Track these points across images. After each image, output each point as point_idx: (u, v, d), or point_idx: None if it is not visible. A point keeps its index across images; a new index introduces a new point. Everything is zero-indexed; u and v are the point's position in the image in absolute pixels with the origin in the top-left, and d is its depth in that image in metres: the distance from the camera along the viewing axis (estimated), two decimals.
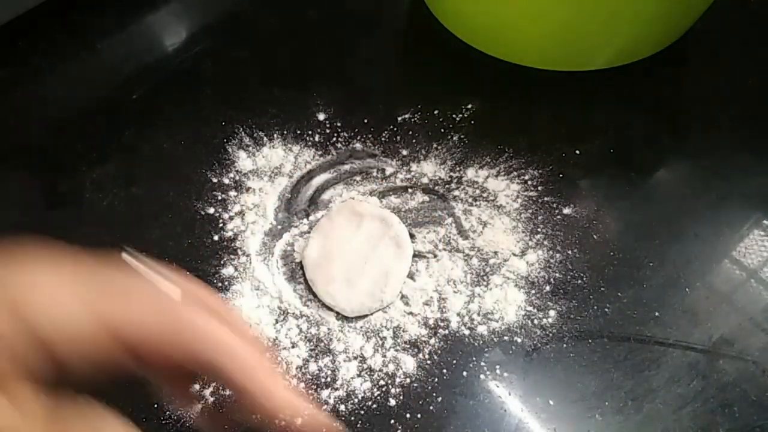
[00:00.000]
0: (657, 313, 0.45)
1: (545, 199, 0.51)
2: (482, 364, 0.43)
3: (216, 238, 0.49)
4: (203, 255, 0.48)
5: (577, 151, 0.54)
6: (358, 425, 0.40)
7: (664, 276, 0.47)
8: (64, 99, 0.61)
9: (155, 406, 0.41)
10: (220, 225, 0.50)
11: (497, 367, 0.43)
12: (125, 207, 0.53)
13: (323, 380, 0.42)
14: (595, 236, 0.49)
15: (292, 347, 0.44)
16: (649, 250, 0.48)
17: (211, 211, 0.51)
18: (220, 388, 0.42)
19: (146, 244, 0.49)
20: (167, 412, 0.41)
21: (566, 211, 0.50)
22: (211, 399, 0.41)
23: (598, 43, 0.55)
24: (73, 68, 0.64)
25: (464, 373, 0.43)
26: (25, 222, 0.52)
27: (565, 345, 0.44)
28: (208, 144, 0.55)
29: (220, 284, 0.47)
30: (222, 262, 0.48)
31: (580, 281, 0.47)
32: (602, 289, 0.46)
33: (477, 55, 0.60)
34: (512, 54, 0.59)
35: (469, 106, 0.57)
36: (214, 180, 0.53)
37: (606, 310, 0.45)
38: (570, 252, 0.48)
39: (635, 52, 0.58)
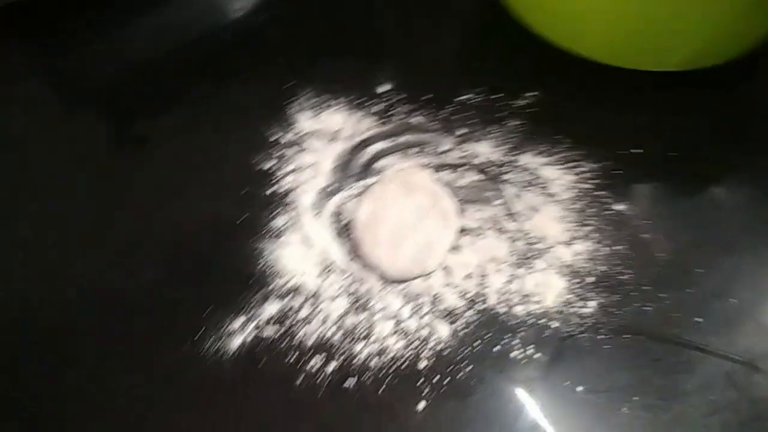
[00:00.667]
0: (699, 319, 0.45)
1: (599, 192, 0.51)
2: (515, 342, 0.43)
3: (271, 191, 0.51)
4: (257, 205, 0.50)
5: (638, 150, 0.53)
6: (387, 380, 0.41)
7: (711, 284, 0.46)
8: (136, 50, 0.64)
9: (198, 337, 0.43)
10: (276, 180, 0.52)
11: (530, 347, 0.43)
12: (188, 155, 0.55)
13: (358, 334, 0.43)
14: (645, 235, 0.49)
15: (332, 300, 0.45)
16: (700, 256, 0.48)
17: (268, 165, 0.52)
18: (260, 327, 0.43)
19: (204, 191, 0.51)
20: (208, 343, 0.43)
21: (619, 207, 0.50)
22: (251, 336, 0.43)
23: (673, 44, 0.55)
24: (147, 23, 0.66)
25: (496, 348, 0.43)
26: (89, 162, 0.54)
27: (600, 336, 0.44)
28: (271, 104, 0.57)
29: (271, 233, 0.48)
30: (274, 214, 0.49)
31: (624, 277, 0.46)
32: (646, 288, 0.46)
33: (546, 45, 0.60)
34: (582, 47, 0.58)
35: (532, 94, 0.57)
36: (274, 138, 0.54)
37: (647, 309, 0.45)
38: (617, 247, 0.48)
39: (710, 57, 0.56)
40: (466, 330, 0.44)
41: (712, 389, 0.42)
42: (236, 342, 0.43)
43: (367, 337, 0.43)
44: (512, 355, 0.43)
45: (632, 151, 0.53)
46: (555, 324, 0.44)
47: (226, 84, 0.59)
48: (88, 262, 0.48)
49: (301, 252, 0.47)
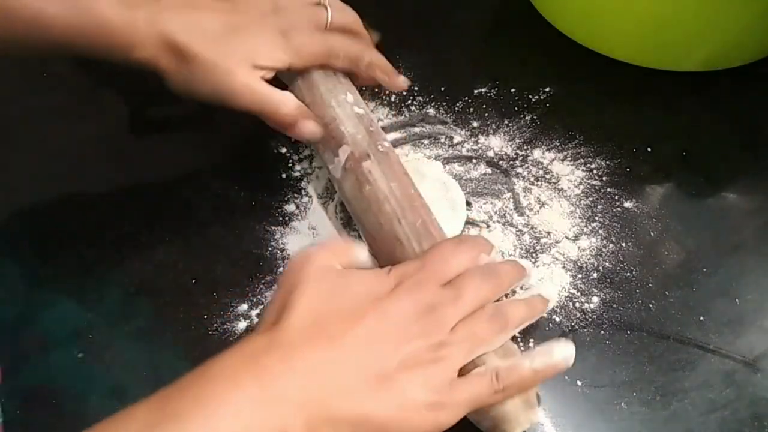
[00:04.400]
0: (701, 318, 0.45)
1: (608, 189, 0.51)
2: (517, 335, 0.44)
3: (284, 176, 0.52)
4: (270, 189, 0.51)
5: (649, 149, 0.53)
6: None
7: (715, 283, 0.46)
8: None
9: (205, 317, 0.44)
10: (290, 164, 0.52)
11: (531, 339, 0.44)
12: (203, 138, 0.56)
13: None
14: (652, 233, 0.49)
15: None
16: (705, 256, 0.48)
17: (283, 150, 0.53)
18: None
19: (219, 172, 0.52)
20: (215, 325, 0.44)
21: (627, 204, 0.50)
22: (256, 320, 0.44)
23: (691, 45, 0.54)
24: None
25: None
26: (108, 143, 0.55)
27: (602, 332, 0.44)
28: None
29: (280, 218, 0.49)
30: (286, 199, 0.50)
31: (628, 274, 0.47)
32: (650, 285, 0.46)
33: (564, 41, 0.60)
34: (601, 45, 0.58)
35: (547, 89, 0.57)
36: None
37: (650, 306, 0.45)
38: (623, 244, 0.48)
39: (727, 59, 0.56)
40: None
41: (712, 388, 0.42)
42: (241, 325, 0.44)
43: None
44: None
45: (644, 149, 0.53)
46: (557, 318, 0.45)
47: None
48: (102, 238, 0.49)
49: (308, 239, 0.48)
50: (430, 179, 0.50)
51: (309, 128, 0.45)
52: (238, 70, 0.43)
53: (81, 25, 0.40)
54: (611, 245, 0.48)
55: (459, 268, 0.37)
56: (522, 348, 0.43)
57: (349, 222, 0.49)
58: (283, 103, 0.44)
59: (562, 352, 0.37)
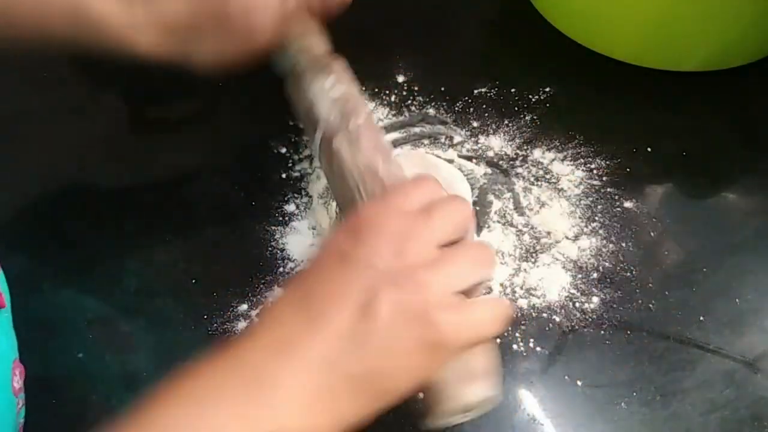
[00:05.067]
0: (702, 318, 0.45)
1: (608, 189, 0.51)
2: (517, 335, 0.44)
3: (284, 176, 0.52)
4: (270, 189, 0.51)
5: (649, 149, 0.53)
6: None
7: (715, 283, 0.46)
8: None
9: (205, 317, 0.44)
10: (290, 164, 0.52)
11: (531, 340, 0.44)
12: (203, 138, 0.56)
13: None
14: (652, 233, 0.49)
15: None
16: (705, 256, 0.48)
17: (283, 150, 0.53)
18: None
19: (219, 172, 0.52)
20: (215, 325, 0.44)
21: (627, 204, 0.50)
22: (256, 320, 0.44)
23: (691, 45, 0.55)
24: None
25: (498, 340, 0.44)
26: (108, 143, 0.55)
27: (602, 332, 0.44)
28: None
29: (280, 218, 0.49)
30: (286, 199, 0.50)
31: (628, 274, 0.47)
32: (650, 285, 0.46)
33: (564, 41, 0.60)
34: (602, 45, 0.58)
35: (547, 89, 0.57)
36: (290, 123, 0.55)
37: (650, 306, 0.45)
38: (624, 244, 0.48)
39: (727, 59, 0.56)
40: None
41: (712, 388, 0.42)
42: (241, 325, 0.44)
43: None
44: (513, 347, 0.43)
45: (644, 149, 0.53)
46: (557, 318, 0.45)
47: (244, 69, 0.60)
48: (101, 238, 0.49)
49: (308, 239, 0.48)
50: (435, 170, 0.49)
51: None
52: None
53: (81, 27, 0.39)
54: (611, 245, 0.48)
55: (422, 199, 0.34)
56: (522, 348, 0.43)
57: None
58: None
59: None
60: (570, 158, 0.53)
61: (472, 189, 0.51)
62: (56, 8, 0.39)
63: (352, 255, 0.31)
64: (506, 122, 0.55)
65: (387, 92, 0.57)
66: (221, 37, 0.41)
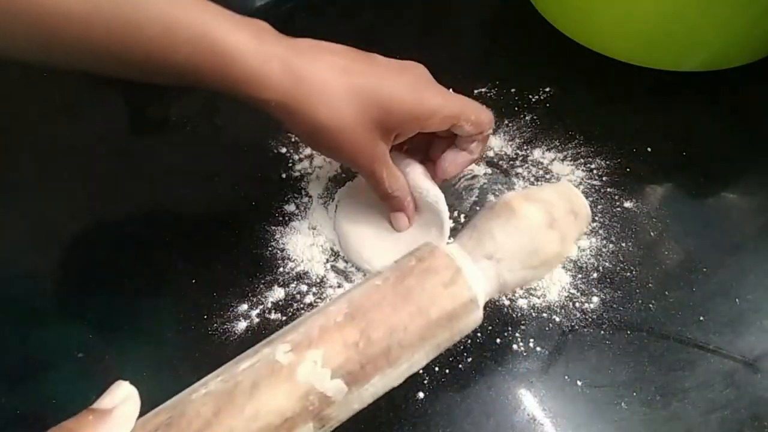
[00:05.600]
0: (702, 318, 0.45)
1: (608, 189, 0.51)
2: (517, 335, 0.44)
3: (284, 175, 0.52)
4: (270, 189, 0.51)
5: (649, 149, 0.53)
6: None
7: (715, 283, 0.46)
8: None
9: (205, 317, 0.44)
10: (290, 164, 0.52)
11: (531, 340, 0.44)
12: (203, 138, 0.56)
13: None
14: (652, 233, 0.49)
15: (338, 287, 0.46)
16: (705, 256, 0.48)
17: (284, 150, 0.53)
18: (266, 312, 0.44)
19: (217, 174, 0.52)
20: (215, 325, 0.44)
21: (627, 204, 0.50)
22: (256, 320, 0.44)
23: (691, 45, 0.54)
24: None
25: (498, 340, 0.44)
26: (109, 143, 0.55)
27: (602, 332, 0.44)
28: None
29: (281, 218, 0.49)
30: (286, 199, 0.50)
31: (628, 274, 0.47)
32: (650, 285, 0.46)
33: (565, 41, 0.60)
34: (601, 45, 0.58)
35: (547, 89, 0.57)
36: None
37: (650, 306, 0.45)
38: (624, 244, 0.48)
39: (727, 59, 0.56)
40: None
41: (712, 388, 0.42)
42: (241, 326, 0.44)
43: None
44: (513, 347, 0.43)
45: (644, 149, 0.53)
46: (557, 318, 0.45)
47: None
48: (102, 238, 0.49)
49: (308, 239, 0.48)
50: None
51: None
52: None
53: (206, 56, 0.36)
54: (611, 245, 0.48)
55: None
56: (522, 348, 0.43)
57: None
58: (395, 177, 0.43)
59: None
60: (570, 158, 0.53)
61: (472, 189, 0.51)
62: (182, 34, 0.35)
63: None
64: (506, 122, 0.55)
65: None
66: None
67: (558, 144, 0.54)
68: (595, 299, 0.45)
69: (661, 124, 0.55)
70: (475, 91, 0.57)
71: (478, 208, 0.50)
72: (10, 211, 0.51)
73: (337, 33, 0.64)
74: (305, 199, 0.50)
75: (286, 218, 0.49)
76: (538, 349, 0.43)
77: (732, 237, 0.49)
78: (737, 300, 0.46)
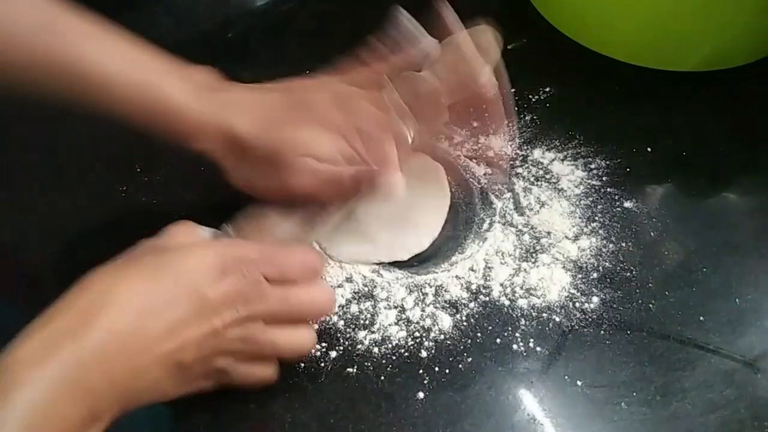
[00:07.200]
0: (702, 318, 0.45)
1: (608, 189, 0.51)
2: (517, 335, 0.44)
3: None
4: None
5: (649, 149, 0.53)
6: (388, 369, 0.42)
7: (715, 283, 0.46)
8: (166, 29, 0.65)
9: None
10: None
11: (531, 340, 0.44)
12: None
13: (362, 322, 0.44)
14: (652, 233, 0.49)
15: (338, 287, 0.46)
16: (706, 255, 0.48)
17: None
18: None
19: (219, 172, 0.52)
20: None
21: (627, 204, 0.50)
22: None
23: (691, 45, 0.54)
24: (176, 4, 0.67)
25: (498, 340, 0.44)
26: (107, 142, 0.55)
27: (602, 332, 0.44)
28: None
29: None
30: None
31: (628, 274, 0.47)
32: (650, 285, 0.46)
33: (565, 42, 0.60)
34: (602, 45, 0.58)
35: (547, 89, 0.57)
36: None
37: (650, 306, 0.45)
38: (624, 244, 0.48)
39: (727, 59, 0.56)
40: (468, 321, 0.44)
41: (712, 388, 0.42)
42: None
43: (370, 325, 0.44)
44: (513, 347, 0.43)
45: (644, 149, 0.53)
46: (557, 318, 0.45)
47: (248, 64, 0.60)
48: (102, 238, 0.49)
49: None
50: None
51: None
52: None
53: (146, 104, 0.40)
54: (611, 245, 0.48)
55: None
56: (522, 348, 0.43)
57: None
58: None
59: None
60: (570, 158, 0.53)
61: (472, 189, 0.51)
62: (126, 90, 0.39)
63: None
64: (506, 122, 0.55)
65: None
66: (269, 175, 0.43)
67: (558, 144, 0.54)
68: (595, 299, 0.45)
69: (662, 124, 0.55)
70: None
71: (479, 208, 0.50)
72: (10, 210, 0.51)
73: (336, 33, 0.64)
74: None
75: None
76: (538, 349, 0.43)
77: (732, 237, 0.49)
78: (737, 300, 0.46)
